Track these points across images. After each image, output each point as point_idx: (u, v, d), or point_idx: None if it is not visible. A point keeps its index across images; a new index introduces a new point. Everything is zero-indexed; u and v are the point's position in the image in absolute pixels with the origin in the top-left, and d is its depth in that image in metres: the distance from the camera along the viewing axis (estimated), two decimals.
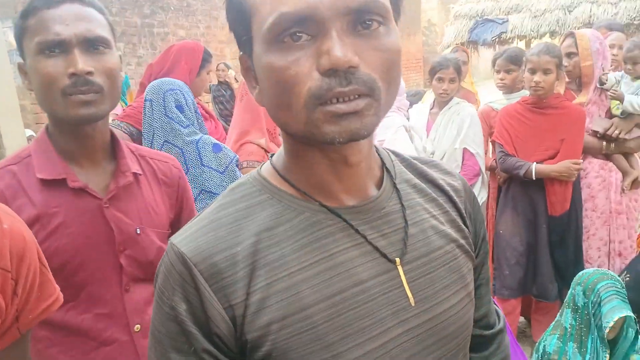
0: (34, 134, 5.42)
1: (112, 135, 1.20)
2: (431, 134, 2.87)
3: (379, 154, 0.73)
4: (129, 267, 1.14)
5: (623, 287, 1.82)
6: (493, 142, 2.79)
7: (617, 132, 2.64)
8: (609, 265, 2.75)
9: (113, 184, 1.14)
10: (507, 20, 6.04)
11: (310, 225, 0.64)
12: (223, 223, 0.64)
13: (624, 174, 2.74)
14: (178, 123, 1.98)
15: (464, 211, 0.76)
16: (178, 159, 1.96)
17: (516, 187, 2.70)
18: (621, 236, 2.74)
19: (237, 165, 2.04)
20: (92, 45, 1.06)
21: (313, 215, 0.64)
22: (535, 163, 2.57)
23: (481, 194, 2.86)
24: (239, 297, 0.60)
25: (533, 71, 2.50)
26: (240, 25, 0.61)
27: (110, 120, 2.30)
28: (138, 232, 1.16)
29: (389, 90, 0.59)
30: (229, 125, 2.48)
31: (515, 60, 2.90)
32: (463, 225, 0.75)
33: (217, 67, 6.95)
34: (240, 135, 2.25)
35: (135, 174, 1.18)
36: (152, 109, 2.00)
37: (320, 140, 0.57)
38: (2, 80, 4.27)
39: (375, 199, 0.67)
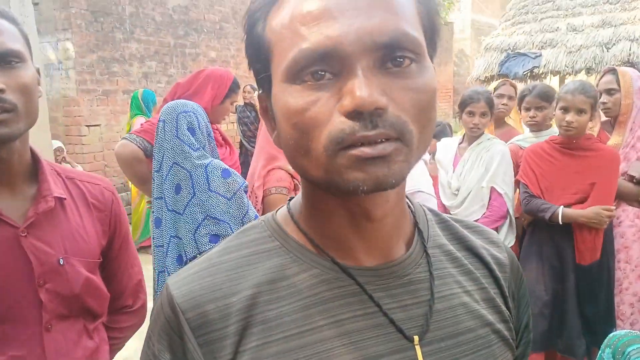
0: (62, 146, 5.54)
1: (34, 156, 1.09)
2: (457, 169, 2.75)
3: (411, 210, 0.64)
4: (50, 302, 1.04)
5: None
6: (517, 182, 2.65)
7: None
8: None
9: (32, 210, 1.03)
10: (541, 55, 5.89)
11: (317, 284, 0.56)
12: (223, 268, 0.57)
13: None
14: (188, 145, 1.95)
15: (506, 290, 0.66)
16: (186, 182, 1.94)
17: (542, 231, 2.54)
18: None
19: (245, 191, 1.99)
20: (3, 59, 0.96)
21: (323, 273, 0.57)
22: (562, 207, 2.42)
23: (508, 238, 2.71)
24: (225, 355, 0.53)
25: (566, 110, 2.37)
26: (259, 62, 0.56)
27: (127, 134, 2.31)
28: (61, 262, 1.05)
29: (422, 134, 0.51)
30: (251, 147, 2.44)
31: (546, 97, 2.78)
32: (503, 307, 0.64)
33: (243, 88, 7.02)
34: (269, 161, 2.21)
35: (58, 198, 1.08)
36: (165, 130, 1.98)
37: (342, 189, 0.50)
38: None
39: (400, 263, 0.59)
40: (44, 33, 5.76)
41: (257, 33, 0.55)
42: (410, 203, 0.65)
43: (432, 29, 0.56)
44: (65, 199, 1.10)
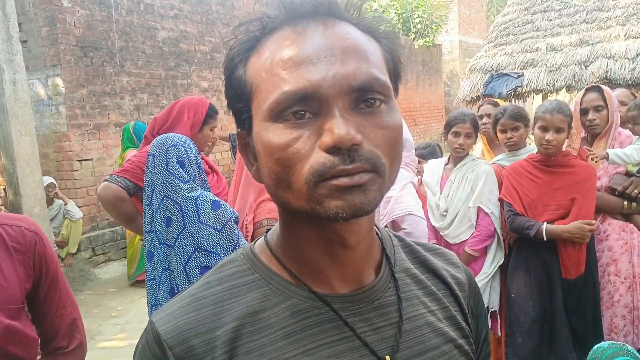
0: (54, 182, 5.54)
1: None
2: (444, 190, 2.79)
3: (379, 237, 0.69)
4: None
5: None
6: (501, 201, 2.69)
7: (636, 190, 2.54)
8: (633, 335, 2.57)
9: None
10: (523, 75, 6.04)
11: (297, 313, 0.60)
12: (207, 303, 0.61)
13: None
14: (178, 179, 1.98)
15: (466, 307, 0.72)
16: (176, 215, 1.97)
17: (528, 247, 2.59)
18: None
19: (236, 223, 2.01)
20: None
21: (301, 302, 0.61)
22: (545, 223, 2.47)
23: (497, 257, 2.74)
24: None
25: (545, 129, 2.45)
26: (240, 103, 0.60)
27: (108, 176, 2.31)
28: None
29: (392, 166, 0.57)
30: None
31: (519, 118, 2.85)
32: (464, 323, 0.70)
33: None
34: (259, 193, 2.22)
35: None
36: (154, 164, 2.00)
37: (323, 217, 0.55)
38: (24, 129, 4.40)
39: (371, 288, 0.64)
40: (33, 70, 5.83)
41: (238, 76, 0.60)
42: (377, 230, 0.70)
43: (396, 74, 0.63)
44: None
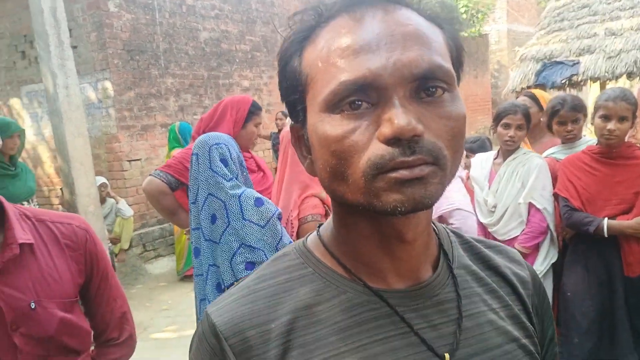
0: (106, 181, 5.74)
1: (1, 204, 1.13)
2: (493, 185, 2.68)
3: (436, 233, 0.67)
4: (25, 345, 1.07)
5: None
6: (555, 195, 2.54)
7: None
8: None
9: None
10: (579, 62, 5.69)
11: (351, 307, 0.59)
12: (261, 295, 0.60)
13: None
14: (222, 177, 1.99)
15: (530, 306, 0.68)
16: (220, 212, 1.97)
17: (586, 244, 2.45)
18: None
19: (279, 219, 2.00)
20: None
21: (356, 297, 0.59)
22: (606, 219, 2.32)
23: (550, 254, 2.61)
24: None
25: (607, 118, 2.30)
26: (295, 94, 0.59)
27: (153, 171, 2.40)
28: (33, 306, 1.07)
29: (454, 158, 0.55)
30: None
31: (581, 109, 2.69)
32: (528, 323, 0.67)
33: (275, 115, 7.13)
34: (303, 190, 2.23)
35: (25, 244, 1.10)
36: (198, 163, 2.03)
37: (380, 211, 0.53)
38: (77, 131, 4.57)
39: (428, 285, 0.62)
40: (83, 74, 6.05)
41: (293, 68, 0.58)
42: (434, 226, 0.67)
43: (459, 62, 0.60)
44: (32, 243, 1.12)
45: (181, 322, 4.50)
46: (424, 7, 0.57)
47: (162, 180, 2.31)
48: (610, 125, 2.27)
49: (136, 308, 5.01)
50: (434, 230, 0.66)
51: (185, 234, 2.69)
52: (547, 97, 3.21)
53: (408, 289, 0.61)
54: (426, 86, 0.52)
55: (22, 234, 1.11)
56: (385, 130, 0.50)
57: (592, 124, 2.44)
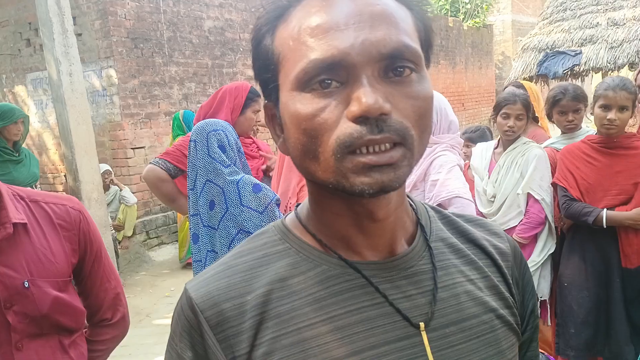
0: (110, 169, 5.79)
1: None
2: (492, 175, 2.68)
3: (414, 209, 0.68)
4: (19, 323, 1.08)
5: None
6: (554, 185, 2.55)
7: None
8: None
9: None
10: (581, 52, 5.68)
11: (326, 279, 0.60)
12: (238, 270, 0.61)
13: None
14: (220, 163, 2.02)
15: (510, 277, 0.69)
16: (219, 198, 2.01)
17: (583, 234, 2.45)
18: None
19: (277, 205, 2.03)
20: None
21: (331, 269, 0.60)
22: (605, 209, 2.32)
23: (548, 245, 2.62)
24: (243, 349, 0.57)
25: (607, 108, 2.28)
26: (267, 73, 0.59)
27: (152, 159, 2.44)
28: (27, 285, 1.09)
29: (421, 138, 0.56)
30: None
31: (582, 99, 2.69)
32: (507, 294, 0.67)
33: None
34: (302, 177, 2.25)
35: (19, 224, 1.11)
36: (196, 149, 2.05)
37: (348, 192, 0.54)
38: (81, 119, 4.60)
39: (403, 257, 0.62)
40: (87, 62, 6.08)
41: (265, 45, 0.59)
42: (412, 201, 0.68)
43: (428, 43, 0.61)
44: (26, 222, 1.13)
45: None
46: None
47: (162, 168, 2.34)
48: (611, 115, 2.26)
49: (139, 295, 5.06)
50: (412, 206, 0.67)
51: (187, 221, 2.73)
52: (534, 88, 3.22)
53: (382, 260, 0.61)
54: (394, 66, 0.53)
55: (16, 213, 1.12)
56: (354, 108, 0.51)
57: (591, 114, 2.45)
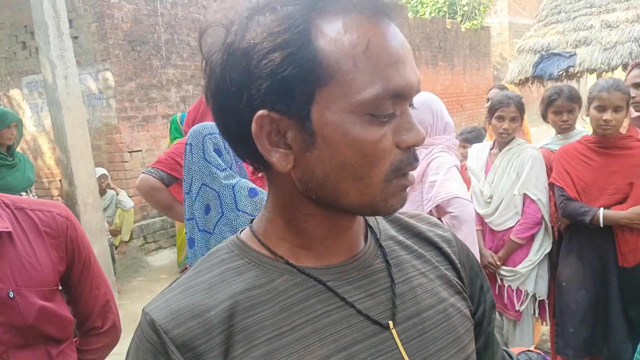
0: (106, 173, 5.76)
1: None
2: (489, 176, 2.70)
3: None
4: (4, 334, 1.06)
5: None
6: (551, 185, 2.56)
7: None
8: None
9: None
10: (575, 54, 5.72)
11: (289, 288, 0.61)
12: (198, 289, 0.60)
13: None
14: (215, 167, 2.00)
15: (457, 262, 0.74)
16: (214, 202, 1.99)
17: (581, 234, 2.46)
18: None
19: None
20: None
21: (293, 277, 0.61)
22: (602, 209, 2.33)
23: (544, 245, 2.64)
24: None
25: (602, 108, 2.30)
26: (301, 84, 0.53)
27: (145, 168, 2.42)
28: (11, 295, 1.07)
29: None
30: None
31: (576, 99, 2.71)
32: (456, 280, 0.72)
33: None
34: None
35: (3, 232, 1.09)
36: (192, 153, 2.04)
37: (381, 211, 0.59)
38: (77, 122, 4.58)
39: (359, 257, 0.65)
40: (84, 65, 6.06)
41: (306, 52, 0.53)
42: None
43: None
44: (10, 232, 1.11)
45: None
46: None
47: (155, 177, 2.32)
48: (607, 116, 2.28)
49: (136, 301, 5.02)
50: None
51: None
52: (517, 90, 3.26)
53: (342, 263, 0.64)
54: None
55: (0, 222, 1.10)
56: (408, 139, 0.57)
57: (587, 115, 2.46)
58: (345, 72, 0.53)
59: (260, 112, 0.55)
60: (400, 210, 0.72)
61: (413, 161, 0.58)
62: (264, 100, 0.54)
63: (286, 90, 0.54)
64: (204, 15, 7.19)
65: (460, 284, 0.72)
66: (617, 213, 2.30)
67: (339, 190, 0.57)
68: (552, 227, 2.67)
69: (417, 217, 0.78)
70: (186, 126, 2.56)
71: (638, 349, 1.66)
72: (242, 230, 0.67)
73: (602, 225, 2.32)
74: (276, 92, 0.54)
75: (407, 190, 0.60)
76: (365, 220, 0.70)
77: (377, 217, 0.72)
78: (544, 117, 2.83)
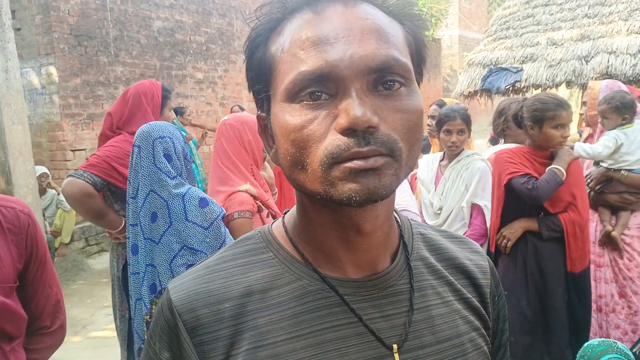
0: (47, 171, 5.49)
1: None
2: (439, 188, 2.74)
3: (398, 223, 0.68)
4: None
5: None
6: (509, 182, 2.52)
7: (588, 180, 2.74)
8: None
9: None
10: (522, 69, 5.98)
11: (305, 294, 0.60)
12: (219, 276, 0.62)
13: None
14: (165, 174, 1.92)
15: (488, 295, 0.70)
16: (162, 211, 1.90)
17: (524, 243, 2.54)
18: (601, 290, 2.70)
19: (222, 220, 1.95)
20: None
21: (311, 284, 0.61)
22: (559, 167, 2.43)
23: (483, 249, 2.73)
24: (217, 356, 0.58)
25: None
26: (260, 84, 0.60)
27: (73, 170, 2.26)
28: None
29: (410, 152, 0.56)
30: None
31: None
32: (483, 311, 0.69)
33: (232, 109, 7.04)
34: (224, 183, 2.12)
35: None
36: (140, 156, 1.94)
37: (336, 200, 0.54)
38: (17, 118, 4.35)
39: (384, 275, 0.63)
40: (26, 58, 5.76)
41: (258, 57, 0.59)
42: (397, 216, 0.69)
43: (419, 58, 0.62)
44: None
45: None
46: (384, 3, 0.59)
47: (86, 181, 2.16)
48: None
49: (76, 305, 4.81)
50: (396, 220, 0.68)
51: (111, 235, 2.46)
52: (461, 103, 3.42)
53: (363, 278, 0.62)
54: (384, 79, 0.54)
55: None
56: (341, 120, 0.52)
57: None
58: (276, 66, 0.57)
59: (258, 112, 0.63)
60: (442, 230, 0.74)
61: (353, 146, 0.51)
62: (258, 101, 0.63)
63: (255, 92, 0.62)
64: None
65: (486, 318, 0.69)
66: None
67: (297, 180, 0.57)
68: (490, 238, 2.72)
69: (458, 239, 0.74)
70: (107, 130, 2.37)
71: (578, 354, 1.73)
72: (275, 221, 0.68)
73: (563, 178, 2.41)
74: (254, 94, 0.62)
75: (371, 173, 0.52)
76: (402, 235, 0.67)
77: (414, 233, 0.69)
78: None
